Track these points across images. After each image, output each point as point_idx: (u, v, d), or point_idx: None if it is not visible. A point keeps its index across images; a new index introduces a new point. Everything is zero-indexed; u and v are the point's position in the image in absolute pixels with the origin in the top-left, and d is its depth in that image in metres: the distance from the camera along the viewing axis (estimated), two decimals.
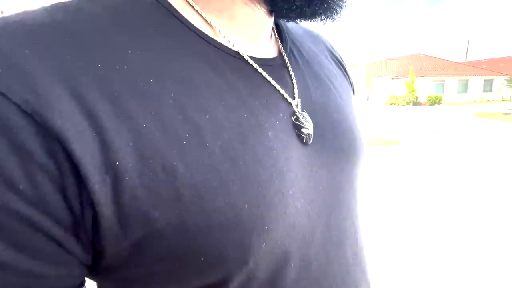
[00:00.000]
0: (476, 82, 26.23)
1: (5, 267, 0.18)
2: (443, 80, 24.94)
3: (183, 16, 0.26)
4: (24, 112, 0.18)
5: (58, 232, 0.19)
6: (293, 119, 0.29)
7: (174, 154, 0.21)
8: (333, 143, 0.32)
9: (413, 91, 21.59)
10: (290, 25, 0.39)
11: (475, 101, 25.46)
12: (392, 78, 24.47)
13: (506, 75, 20.66)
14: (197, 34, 0.26)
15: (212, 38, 0.26)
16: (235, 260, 0.23)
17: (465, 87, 26.07)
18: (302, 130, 0.29)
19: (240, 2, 0.27)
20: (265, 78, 0.29)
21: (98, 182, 0.19)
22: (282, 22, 0.37)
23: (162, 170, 0.21)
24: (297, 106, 0.30)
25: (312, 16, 0.28)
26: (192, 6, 0.26)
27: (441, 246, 2.53)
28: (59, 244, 0.19)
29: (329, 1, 0.26)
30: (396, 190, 3.82)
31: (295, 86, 0.31)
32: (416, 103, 22.06)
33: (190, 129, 0.22)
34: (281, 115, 0.28)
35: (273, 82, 0.29)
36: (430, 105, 22.69)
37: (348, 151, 0.34)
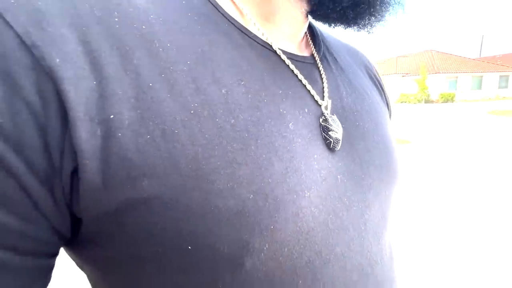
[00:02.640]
0: (491, 78, 25.56)
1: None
2: (456, 77, 24.37)
3: (219, 5, 0.25)
4: (23, 42, 0.17)
5: (30, 181, 0.17)
6: (320, 120, 0.27)
7: (178, 121, 0.19)
8: (364, 155, 0.29)
9: (424, 88, 21.14)
10: (326, 34, 0.38)
11: (490, 98, 24.78)
12: (403, 76, 24.01)
13: None
14: (226, 18, 0.25)
15: (241, 25, 0.26)
16: (229, 258, 0.20)
17: (479, 84, 25.44)
18: (330, 133, 0.26)
19: None
20: (292, 71, 0.27)
21: (87, 132, 0.17)
22: (317, 29, 0.36)
23: (161, 135, 0.19)
24: (326, 107, 0.28)
25: (352, 20, 0.27)
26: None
27: (452, 246, 2.42)
28: (29, 196, 0.17)
29: (375, 10, 0.27)
30: (405, 192, 3.69)
31: (325, 87, 0.30)
32: (427, 101, 21.60)
33: (202, 100, 0.20)
34: (306, 110, 0.26)
35: (301, 77, 0.27)
36: (443, 102, 22.19)
37: (380, 167, 0.31)
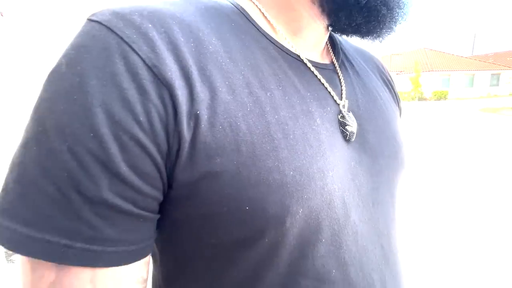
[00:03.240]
0: (483, 76, 25.90)
1: (121, 179, 0.23)
2: (449, 75, 24.65)
3: (255, 21, 0.32)
4: (146, 65, 0.24)
5: (157, 158, 0.24)
6: (339, 117, 0.33)
7: (239, 116, 0.26)
8: (375, 146, 0.35)
9: (418, 86, 21.35)
10: (344, 42, 0.44)
11: (481, 96, 25.12)
12: (397, 73, 24.23)
13: None
14: (264, 36, 0.32)
15: (276, 41, 0.32)
16: (274, 216, 0.26)
17: (471, 82, 25.76)
18: (346, 127, 0.33)
19: (308, 17, 0.33)
20: (316, 76, 0.33)
21: (186, 124, 0.25)
22: (337, 37, 0.42)
23: (228, 126, 0.26)
24: (343, 106, 0.34)
25: (365, 34, 0.33)
26: (263, 14, 0.33)
27: (443, 247, 2.49)
28: (157, 169, 0.25)
29: (385, 26, 0.32)
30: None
31: (343, 89, 0.36)
32: (421, 99, 21.83)
33: (254, 101, 0.27)
34: (328, 109, 0.32)
35: (323, 81, 0.34)
36: (436, 100, 22.44)
37: (389, 157, 0.36)
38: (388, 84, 0.46)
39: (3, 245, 0.22)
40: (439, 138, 7.03)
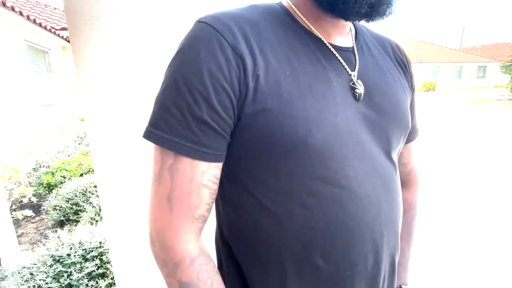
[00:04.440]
0: (470, 68, 26.39)
1: (213, 108, 0.40)
2: (438, 67, 25.05)
3: (295, 18, 0.48)
4: (230, 46, 0.41)
5: (234, 99, 0.41)
6: (350, 83, 0.47)
7: (282, 77, 0.42)
8: (379, 106, 0.49)
9: None
10: (365, 30, 0.57)
11: (468, 88, 25.68)
12: None
13: (500, 61, 20.72)
14: (301, 28, 0.47)
15: (309, 31, 0.47)
16: (301, 138, 0.41)
17: (459, 74, 26.21)
18: (355, 90, 0.47)
19: (324, 15, 0.47)
20: (335, 55, 0.48)
21: (251, 80, 0.41)
22: (360, 27, 0.56)
23: (275, 82, 0.41)
24: (354, 76, 0.48)
25: (368, 17, 0.45)
26: (298, 14, 0.48)
27: (435, 233, 2.62)
28: (232, 105, 0.41)
29: (378, 11, 0.44)
30: None
31: (357, 65, 0.49)
32: None
33: (291, 69, 0.43)
34: (343, 77, 0.47)
35: (340, 58, 0.48)
36: (425, 91, 22.86)
37: (388, 115, 0.49)
38: (402, 64, 0.57)
39: (153, 141, 0.41)
40: (433, 129, 7.27)
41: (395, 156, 0.53)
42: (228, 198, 0.48)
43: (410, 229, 0.67)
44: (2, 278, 1.41)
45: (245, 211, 0.46)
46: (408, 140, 0.65)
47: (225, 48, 0.40)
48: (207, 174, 0.42)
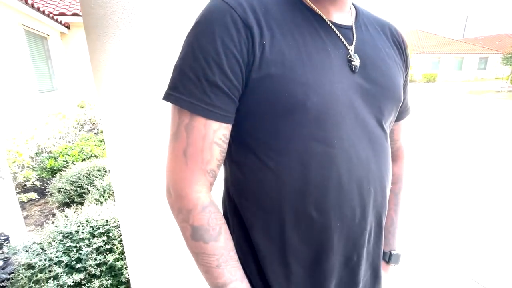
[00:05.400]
0: (471, 60, 26.13)
1: (225, 73, 0.45)
2: (439, 58, 24.83)
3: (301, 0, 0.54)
4: (241, 19, 0.46)
5: (243, 65, 0.46)
6: (347, 56, 0.52)
7: (285, 47, 0.47)
8: (373, 78, 0.54)
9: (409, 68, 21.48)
10: (366, 13, 0.62)
11: (469, 79, 25.52)
12: None
13: (502, 52, 20.52)
14: (305, 7, 0.53)
15: (312, 9, 0.53)
16: (301, 100, 0.47)
17: (460, 65, 25.95)
18: (352, 62, 0.52)
19: None
20: (335, 31, 0.53)
21: (258, 49, 0.46)
22: (361, 10, 0.61)
23: (279, 51, 0.47)
24: (351, 50, 0.53)
25: None
26: None
27: (429, 239, 2.64)
28: (241, 71, 0.46)
29: None
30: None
31: (354, 41, 0.55)
32: (411, 81, 22.06)
33: (294, 40, 0.49)
34: (340, 50, 0.52)
35: (339, 34, 0.53)
36: (425, 82, 22.76)
37: (381, 87, 0.55)
38: (398, 45, 0.63)
39: (173, 102, 0.47)
40: (438, 119, 7.27)
41: (386, 126, 0.58)
42: (235, 160, 0.54)
43: (397, 199, 0.73)
44: (14, 253, 1.47)
45: (249, 170, 0.52)
46: (399, 118, 0.70)
47: (236, 21, 0.46)
48: (218, 133, 0.48)
